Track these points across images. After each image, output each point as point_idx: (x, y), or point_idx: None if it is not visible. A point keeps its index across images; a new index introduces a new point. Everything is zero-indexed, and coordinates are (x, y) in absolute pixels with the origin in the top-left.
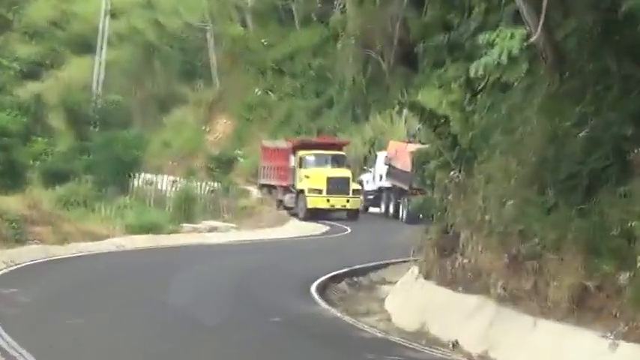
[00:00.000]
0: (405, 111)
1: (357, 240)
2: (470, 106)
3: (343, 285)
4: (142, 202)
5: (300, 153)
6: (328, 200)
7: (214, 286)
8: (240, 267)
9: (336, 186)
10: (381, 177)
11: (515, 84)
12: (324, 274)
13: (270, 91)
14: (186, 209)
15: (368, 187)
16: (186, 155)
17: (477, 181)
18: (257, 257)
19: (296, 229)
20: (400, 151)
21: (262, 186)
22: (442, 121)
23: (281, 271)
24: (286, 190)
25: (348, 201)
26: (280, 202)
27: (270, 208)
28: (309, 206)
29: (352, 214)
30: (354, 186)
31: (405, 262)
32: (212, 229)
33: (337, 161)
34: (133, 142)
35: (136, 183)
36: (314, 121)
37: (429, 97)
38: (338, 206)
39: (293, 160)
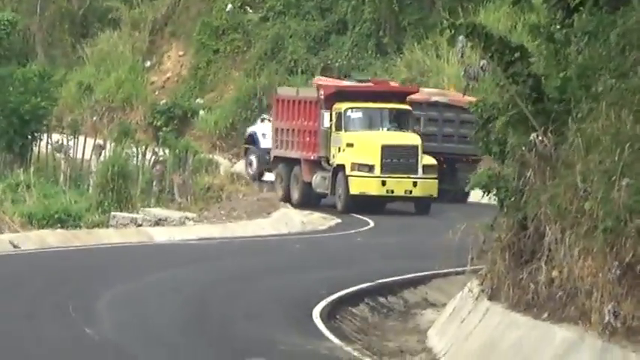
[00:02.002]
0: (460, 39)
1: (383, 239)
2: (562, 32)
3: (363, 309)
4: (50, 178)
5: (338, 106)
6: (384, 183)
7: (163, 310)
8: (203, 281)
9: (397, 159)
10: None
11: None
12: (334, 292)
13: (249, 6)
14: (119, 191)
15: (268, 143)
16: (117, 106)
17: (573, 148)
18: (228, 265)
19: (288, 221)
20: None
21: (277, 160)
22: (518, 55)
23: (267, 287)
24: (315, 165)
25: (415, 184)
26: (302, 189)
27: (247, 190)
28: (353, 191)
29: (422, 205)
30: (426, 160)
31: (458, 274)
32: (158, 222)
33: (399, 120)
34: (34, 84)
35: (39, 148)
36: (317, 55)
37: (497, 17)
38: (399, 192)
39: (326, 119)
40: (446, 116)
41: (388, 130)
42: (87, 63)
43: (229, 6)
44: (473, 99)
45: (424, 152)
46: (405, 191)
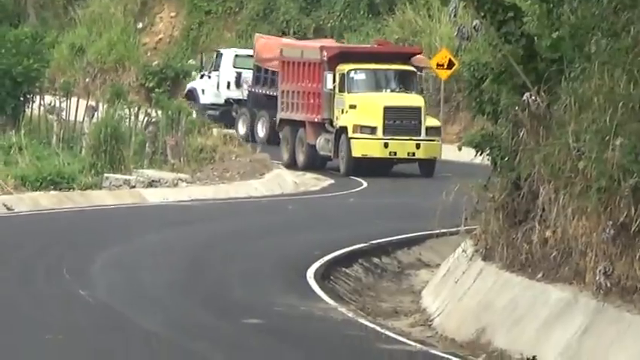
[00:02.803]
0: None
1: (376, 200)
2: None
3: (357, 269)
4: (42, 140)
5: (342, 68)
6: (386, 145)
7: (157, 272)
8: (196, 242)
9: (400, 121)
10: (229, 84)
11: None
12: (327, 253)
13: None
14: (112, 152)
15: (206, 99)
16: (109, 68)
17: (566, 108)
18: (221, 226)
19: (281, 182)
20: (274, 47)
21: (282, 123)
22: (511, 14)
23: (259, 248)
24: (319, 128)
25: (418, 146)
26: (306, 152)
27: (240, 151)
28: (355, 154)
29: (426, 168)
30: (430, 122)
31: (452, 234)
32: (152, 183)
33: (403, 82)
34: (26, 46)
35: (31, 110)
36: (309, 15)
37: None
38: (402, 154)
39: (329, 80)
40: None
41: (392, 91)
42: (79, 25)
43: None
44: (421, 58)
45: None
46: (408, 153)
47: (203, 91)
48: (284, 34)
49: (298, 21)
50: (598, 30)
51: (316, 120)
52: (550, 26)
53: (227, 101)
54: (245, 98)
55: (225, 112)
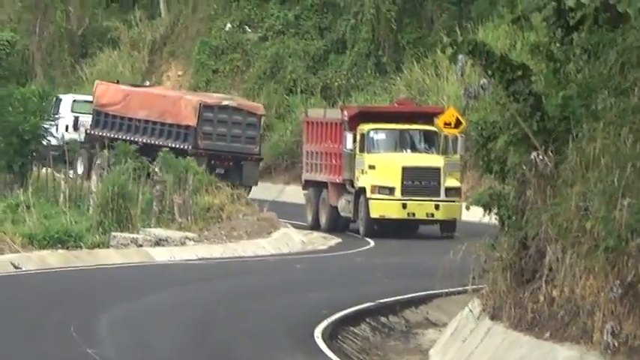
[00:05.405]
0: (460, 57)
1: (383, 259)
2: (561, 50)
3: (364, 328)
4: (49, 198)
5: (362, 128)
6: (404, 206)
7: (164, 330)
8: (204, 301)
9: (419, 182)
10: (67, 127)
11: (634, 16)
12: (335, 312)
13: (248, 25)
14: (119, 211)
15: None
16: None
17: (573, 167)
18: (229, 285)
19: (289, 241)
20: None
21: (307, 184)
22: (519, 73)
23: (268, 307)
24: (340, 189)
25: (437, 207)
26: (329, 213)
27: (247, 210)
28: (373, 215)
29: (447, 228)
30: (449, 182)
31: (460, 293)
32: (159, 242)
33: (425, 142)
34: (34, 104)
35: (39, 168)
36: (316, 74)
37: (496, 36)
38: (421, 215)
39: (349, 140)
40: (234, 119)
41: (412, 151)
42: (86, 83)
43: (228, 25)
44: (260, 106)
45: (216, 151)
46: (427, 214)
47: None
48: (291, 92)
49: (305, 80)
50: (605, 89)
51: (338, 181)
52: (557, 85)
53: (67, 143)
54: (82, 140)
55: (64, 153)
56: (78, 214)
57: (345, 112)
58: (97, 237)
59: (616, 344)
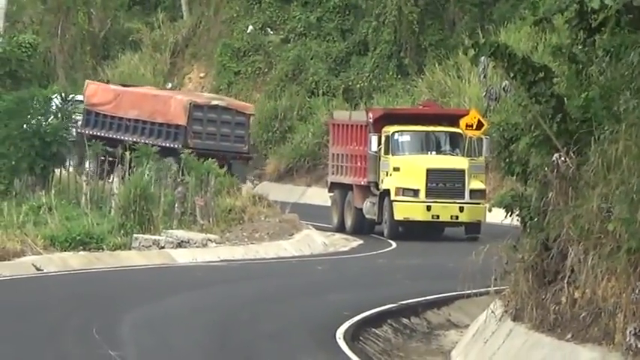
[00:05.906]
0: (482, 59)
1: (405, 261)
2: (584, 52)
3: (386, 330)
4: (71, 200)
5: (386, 130)
6: (429, 208)
7: (186, 333)
8: (225, 303)
9: (443, 184)
10: None
11: None
12: (357, 314)
13: (270, 27)
14: (141, 213)
15: None
16: None
17: (595, 169)
18: (251, 287)
19: (310, 243)
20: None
21: (332, 186)
22: (541, 75)
23: (289, 309)
24: (366, 191)
25: (462, 209)
26: (354, 216)
27: (269, 212)
28: (397, 217)
29: (472, 230)
30: (474, 184)
31: (481, 295)
32: (181, 244)
33: (450, 144)
34: (57, 107)
35: (60, 170)
36: (338, 76)
37: (518, 37)
38: (445, 218)
39: (374, 142)
40: (224, 118)
41: (437, 153)
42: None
43: (250, 27)
44: (249, 105)
45: (206, 150)
46: (451, 216)
47: None
48: (312, 94)
49: (327, 82)
50: (627, 90)
51: (363, 183)
52: (579, 87)
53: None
54: (74, 139)
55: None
56: (100, 216)
57: (370, 114)
58: (119, 239)
59: (638, 345)
